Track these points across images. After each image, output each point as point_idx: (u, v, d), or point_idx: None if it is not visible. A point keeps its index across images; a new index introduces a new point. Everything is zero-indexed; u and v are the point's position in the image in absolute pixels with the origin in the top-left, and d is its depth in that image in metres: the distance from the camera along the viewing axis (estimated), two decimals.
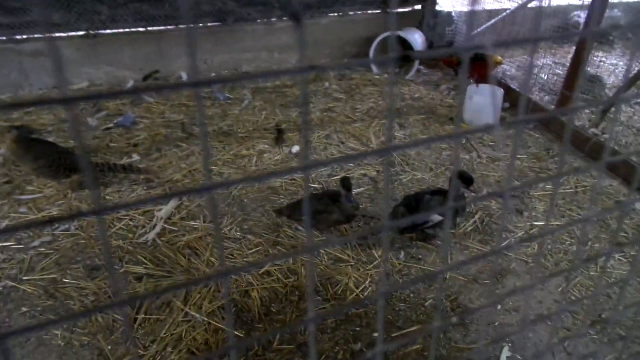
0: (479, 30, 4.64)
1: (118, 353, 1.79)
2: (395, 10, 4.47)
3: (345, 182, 2.20)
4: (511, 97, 3.87)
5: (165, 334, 1.86)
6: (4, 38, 3.87)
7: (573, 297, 2.07)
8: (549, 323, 1.94)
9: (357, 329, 1.92)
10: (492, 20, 4.46)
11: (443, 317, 1.97)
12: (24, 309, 1.98)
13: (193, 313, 1.95)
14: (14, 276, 2.15)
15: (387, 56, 0.39)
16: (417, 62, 4.67)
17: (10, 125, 2.61)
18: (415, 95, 4.17)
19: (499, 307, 2.02)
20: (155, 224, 2.47)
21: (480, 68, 3.79)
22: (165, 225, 2.47)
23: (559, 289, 2.13)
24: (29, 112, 3.68)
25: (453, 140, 0.47)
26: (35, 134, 3.31)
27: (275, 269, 2.19)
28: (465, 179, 2.23)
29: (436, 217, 2.24)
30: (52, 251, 2.30)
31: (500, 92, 3.69)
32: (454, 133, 0.46)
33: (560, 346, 1.84)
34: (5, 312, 1.97)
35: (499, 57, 3.91)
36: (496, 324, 1.95)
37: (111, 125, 3.49)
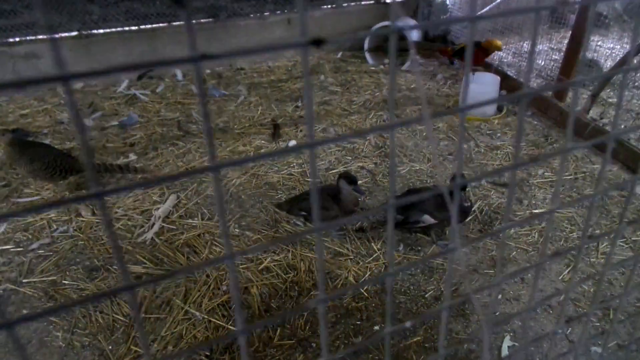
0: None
1: (119, 353, 1.79)
2: (395, 0, 4.44)
3: (349, 176, 2.16)
4: (508, 84, 3.85)
5: (165, 332, 1.86)
6: None
7: (578, 288, 2.06)
8: (551, 312, 1.94)
9: (358, 322, 1.91)
10: (487, 7, 4.43)
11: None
12: (24, 311, 1.98)
13: (193, 311, 1.95)
14: (14, 279, 2.15)
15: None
16: (413, 53, 4.64)
17: (4, 129, 2.59)
18: (412, 86, 4.15)
19: (499, 296, 2.02)
20: (154, 223, 2.47)
21: (477, 55, 3.77)
22: (164, 224, 2.46)
23: (560, 277, 2.12)
24: (24, 114, 3.66)
25: (387, 130, 0.46)
26: (31, 137, 3.31)
27: (274, 265, 2.18)
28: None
29: (428, 219, 2.19)
30: (51, 253, 2.29)
31: (496, 79, 3.67)
32: (388, 123, 0.45)
33: (562, 334, 1.84)
34: (7, 315, 1.96)
35: (498, 42, 3.85)
36: (497, 313, 1.94)
37: (116, 123, 3.48)
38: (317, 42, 0.37)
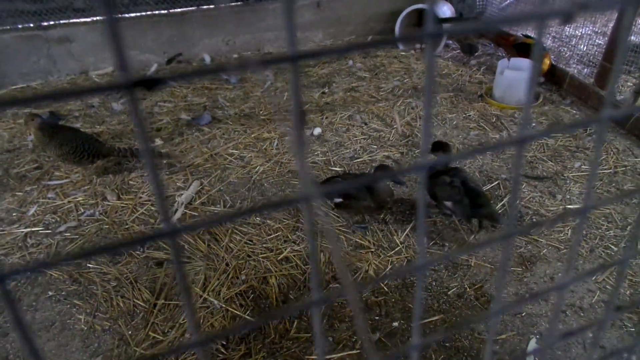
0: (511, 0, 4.37)
1: (138, 338, 1.82)
2: None
3: (387, 167, 2.17)
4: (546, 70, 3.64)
5: (184, 320, 1.87)
6: (32, 25, 3.93)
7: (608, 287, 1.94)
8: (582, 314, 1.84)
9: (377, 318, 1.87)
10: None
11: (468, 307, 1.89)
12: (50, 292, 2.03)
13: (212, 299, 1.95)
14: (42, 261, 2.21)
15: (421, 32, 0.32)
16: (445, 37, 4.46)
17: (34, 113, 2.65)
18: (443, 72, 4.00)
19: (526, 296, 1.92)
20: (177, 209, 2.48)
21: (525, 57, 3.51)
22: (186, 211, 2.47)
23: (593, 278, 2.00)
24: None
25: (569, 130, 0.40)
26: (62, 120, 3.39)
27: (294, 256, 2.16)
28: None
29: (448, 204, 2.16)
30: (77, 236, 2.34)
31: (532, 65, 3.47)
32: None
33: (592, 339, 1.74)
34: (33, 296, 2.02)
35: (548, 59, 3.58)
36: (523, 314, 1.86)
37: (188, 118, 3.39)
38: (147, 84, 0.28)
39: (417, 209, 0.41)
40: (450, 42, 4.62)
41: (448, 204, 2.16)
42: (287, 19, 0.28)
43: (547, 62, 3.53)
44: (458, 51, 4.44)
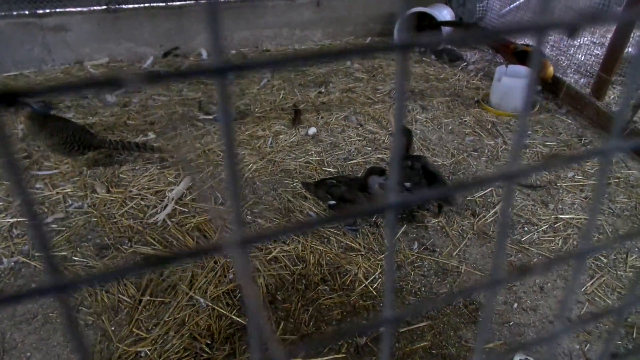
0: (511, 6, 4.37)
1: (121, 334, 1.79)
2: None
3: (379, 169, 2.15)
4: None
5: (168, 317, 1.85)
6: (27, 12, 3.88)
7: (597, 299, 1.94)
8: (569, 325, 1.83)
9: (364, 322, 1.85)
10: (517, 2, 4.19)
11: (456, 314, 1.88)
12: (33, 285, 2.00)
13: (198, 297, 1.92)
14: (27, 252, 2.18)
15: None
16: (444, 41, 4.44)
17: (24, 102, 2.60)
18: (440, 76, 3.99)
19: (515, 305, 1.91)
20: (167, 205, 2.45)
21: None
22: (176, 206, 2.44)
23: (583, 289, 2.00)
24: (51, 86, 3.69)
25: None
26: (54, 110, 3.34)
27: (283, 256, 2.13)
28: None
29: (407, 184, 2.28)
30: (64, 228, 2.31)
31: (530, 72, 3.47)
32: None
33: (579, 351, 1.73)
34: (16, 288, 1.99)
35: (551, 70, 3.47)
36: (511, 323, 1.85)
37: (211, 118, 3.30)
38: (7, 98, 0.24)
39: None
40: (449, 46, 4.61)
41: (407, 184, 2.28)
42: (211, 23, 0.26)
43: (551, 70, 3.49)
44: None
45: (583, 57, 3.91)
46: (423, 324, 1.83)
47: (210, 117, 3.27)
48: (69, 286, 0.29)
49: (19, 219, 2.34)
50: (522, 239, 2.25)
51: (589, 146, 3.03)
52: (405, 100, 0.33)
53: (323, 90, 3.71)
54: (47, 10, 3.94)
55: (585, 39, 4.07)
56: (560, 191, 2.60)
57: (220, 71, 0.27)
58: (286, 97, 3.60)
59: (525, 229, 2.33)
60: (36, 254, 2.15)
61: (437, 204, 2.39)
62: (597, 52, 4.06)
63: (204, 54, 4.32)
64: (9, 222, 2.32)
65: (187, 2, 4.22)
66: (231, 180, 0.31)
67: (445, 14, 4.39)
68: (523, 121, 0.37)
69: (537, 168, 0.40)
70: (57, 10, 3.96)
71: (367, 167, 2.73)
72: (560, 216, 2.41)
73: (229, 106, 0.29)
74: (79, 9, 4.01)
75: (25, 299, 0.28)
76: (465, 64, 4.21)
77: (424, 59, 4.35)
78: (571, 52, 3.98)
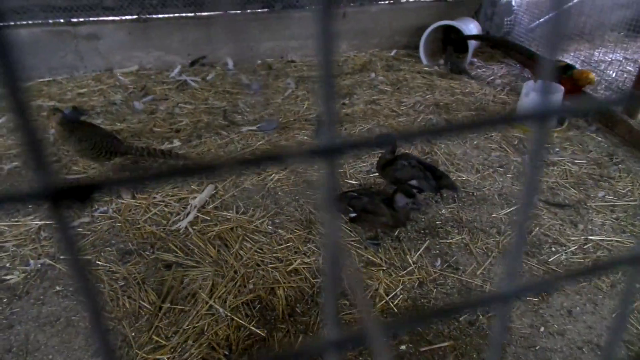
0: (540, 21, 4.31)
1: (141, 341, 1.79)
2: None
3: (407, 191, 2.09)
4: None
5: (188, 326, 1.85)
6: (62, 20, 4.01)
7: (629, 326, 1.86)
8: (599, 353, 1.76)
9: (384, 340, 1.82)
10: (551, 13, 4.12)
11: (479, 335, 1.83)
12: (57, 287, 2.03)
13: (217, 307, 1.92)
14: (53, 254, 2.22)
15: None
16: (470, 54, 4.41)
17: (56, 108, 2.67)
18: (466, 90, 3.94)
19: (542, 329, 1.85)
20: (189, 212, 2.47)
21: (567, 84, 3.26)
22: (199, 214, 2.46)
23: (614, 314, 1.92)
24: (82, 93, 3.80)
25: None
26: (85, 116, 3.42)
27: (304, 268, 2.12)
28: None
29: (414, 182, 2.34)
30: (89, 232, 2.35)
31: (560, 88, 3.40)
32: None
33: None
34: (41, 290, 2.02)
35: (592, 75, 3.30)
36: (537, 347, 1.78)
37: (255, 128, 3.31)
38: (78, 194, 0.26)
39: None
40: (475, 60, 4.57)
41: (414, 182, 2.30)
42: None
43: (592, 76, 3.35)
44: (483, 70, 4.38)
45: (615, 74, 3.82)
46: (445, 344, 1.79)
47: (254, 127, 3.29)
48: (62, 195, 0.26)
49: (47, 222, 2.39)
50: (549, 259, 2.19)
51: (620, 165, 2.94)
52: (540, 173, 0.32)
53: (347, 101, 3.71)
54: (81, 19, 4.07)
55: (618, 54, 3.97)
56: (590, 211, 2.52)
57: (328, 152, 0.27)
58: (310, 107, 3.61)
59: (553, 249, 2.26)
60: (61, 257, 2.18)
61: (439, 192, 2.47)
62: (630, 68, 3.96)
63: (230, 64, 4.38)
64: (37, 224, 2.37)
65: (216, 12, 4.29)
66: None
67: (472, 27, 4.35)
68: (534, 160, 0.35)
69: (534, 288, 0.38)
70: (91, 19, 4.08)
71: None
72: (590, 237, 2.33)
73: (335, 185, 0.29)
74: (111, 17, 4.12)
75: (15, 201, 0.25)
76: (468, 77, 4.17)
77: (449, 72, 4.30)
78: (602, 67, 3.89)
